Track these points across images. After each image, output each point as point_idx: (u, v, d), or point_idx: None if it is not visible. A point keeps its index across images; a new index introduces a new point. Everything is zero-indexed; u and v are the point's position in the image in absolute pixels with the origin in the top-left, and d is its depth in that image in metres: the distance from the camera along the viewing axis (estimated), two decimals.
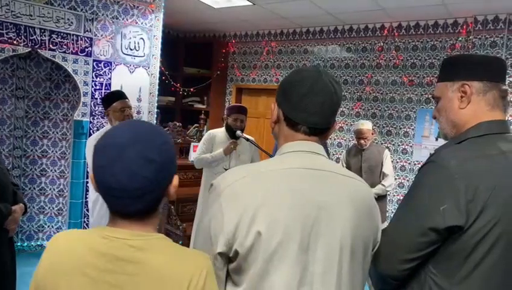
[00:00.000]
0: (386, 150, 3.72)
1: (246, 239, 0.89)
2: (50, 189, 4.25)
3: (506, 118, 1.15)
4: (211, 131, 3.57)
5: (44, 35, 3.53)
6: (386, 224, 3.82)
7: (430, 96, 4.50)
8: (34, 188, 4.21)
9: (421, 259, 1.06)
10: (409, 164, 4.63)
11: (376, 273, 1.14)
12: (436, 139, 4.45)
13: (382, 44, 4.80)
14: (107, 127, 2.94)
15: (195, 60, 5.98)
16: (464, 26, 4.26)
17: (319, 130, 1.02)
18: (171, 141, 0.91)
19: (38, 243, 4.22)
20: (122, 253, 0.81)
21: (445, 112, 1.18)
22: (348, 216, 0.96)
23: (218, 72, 5.85)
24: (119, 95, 2.89)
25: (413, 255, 1.06)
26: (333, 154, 5.16)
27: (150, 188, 0.82)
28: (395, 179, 4.66)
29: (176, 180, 0.89)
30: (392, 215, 4.84)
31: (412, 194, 1.11)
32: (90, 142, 2.81)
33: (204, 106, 5.98)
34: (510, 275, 1.05)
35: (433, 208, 1.03)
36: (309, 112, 0.99)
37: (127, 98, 2.90)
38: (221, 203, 0.93)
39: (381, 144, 4.73)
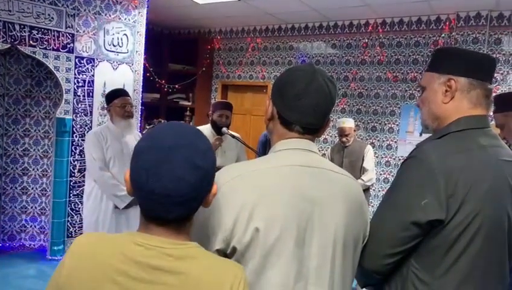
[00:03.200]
0: (368, 146, 3.77)
1: (244, 236, 0.90)
2: (32, 188, 4.18)
3: (487, 114, 1.16)
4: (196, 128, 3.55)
5: (24, 31, 3.45)
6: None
7: (414, 91, 4.55)
8: (16, 188, 4.13)
9: (404, 253, 1.08)
10: (394, 159, 4.68)
11: (360, 268, 1.15)
12: (421, 135, 4.50)
13: (366, 40, 4.83)
14: (108, 123, 3.06)
15: (180, 56, 5.93)
16: (447, 23, 4.31)
17: (313, 129, 1.03)
18: (212, 147, 0.88)
19: (21, 243, 4.14)
20: (159, 262, 0.77)
21: (429, 103, 1.18)
22: (340, 212, 0.98)
23: (204, 69, 5.81)
24: (121, 92, 3.07)
25: (396, 249, 1.07)
26: (319, 150, 5.18)
27: (193, 195, 0.79)
28: (380, 174, 4.71)
29: (215, 188, 0.85)
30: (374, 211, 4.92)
31: (394, 189, 1.12)
32: (90, 135, 2.96)
33: (189, 103, 5.94)
34: (489, 267, 1.07)
35: (414, 202, 1.04)
36: (303, 112, 0.99)
37: (129, 96, 3.07)
38: (219, 201, 0.93)
39: (366, 139, 4.77)
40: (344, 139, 3.67)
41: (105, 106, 3.09)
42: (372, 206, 4.43)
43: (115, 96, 2.98)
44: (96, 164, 2.86)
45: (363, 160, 3.66)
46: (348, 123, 3.68)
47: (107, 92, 3.29)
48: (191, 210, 0.82)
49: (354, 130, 3.77)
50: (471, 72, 1.12)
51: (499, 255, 1.08)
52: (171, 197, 0.77)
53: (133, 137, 3.11)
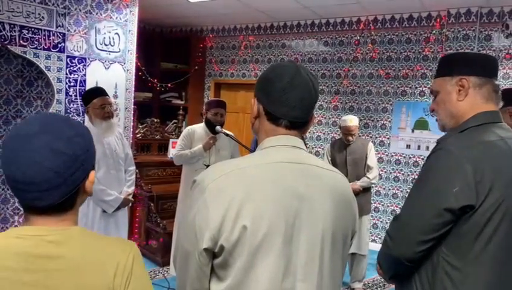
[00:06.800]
0: (370, 143, 3.73)
1: (231, 234, 0.90)
2: None
3: (498, 109, 1.27)
4: (189, 127, 3.54)
5: (14, 31, 3.42)
6: (369, 216, 3.88)
7: (406, 88, 4.59)
8: (8, 189, 4.09)
9: (436, 240, 1.15)
10: (387, 155, 4.71)
11: (390, 258, 1.22)
12: (413, 131, 4.54)
13: (358, 38, 4.85)
14: (87, 124, 2.87)
15: (172, 55, 5.91)
16: (438, 20, 4.34)
17: (299, 124, 1.04)
18: (87, 134, 0.87)
19: None
20: (40, 250, 0.79)
21: (444, 104, 1.28)
22: (328, 208, 0.99)
23: (196, 67, 5.79)
24: (99, 92, 2.87)
25: (429, 236, 1.14)
26: (312, 148, 5.20)
27: (59, 181, 0.79)
28: None
29: (92, 175, 0.86)
30: (375, 208, 4.91)
31: (424, 179, 1.20)
32: None
33: (182, 102, 5.92)
34: None
35: (446, 190, 1.12)
36: (289, 106, 1.00)
37: (108, 95, 2.88)
38: (206, 199, 0.93)
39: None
40: (349, 137, 3.61)
41: (83, 107, 2.88)
42: (372, 203, 4.45)
43: (93, 96, 2.80)
44: None
45: (366, 157, 3.63)
46: (354, 122, 3.60)
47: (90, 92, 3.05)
48: (64, 197, 0.82)
49: (358, 128, 3.73)
50: (479, 70, 1.24)
51: None
52: (35, 184, 0.78)
53: (114, 137, 2.99)
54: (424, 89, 4.46)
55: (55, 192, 0.79)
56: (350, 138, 3.60)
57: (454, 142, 1.18)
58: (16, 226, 4.13)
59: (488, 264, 1.12)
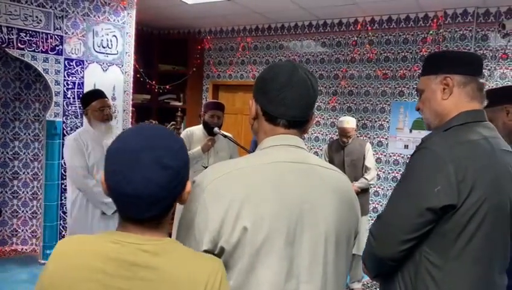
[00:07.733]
0: (368, 144, 3.72)
1: (231, 235, 0.88)
2: (23, 192, 4.14)
3: (482, 108, 1.26)
4: (188, 129, 3.54)
5: (12, 34, 3.42)
6: (368, 217, 3.88)
7: (403, 88, 4.60)
8: (6, 192, 4.09)
9: (418, 239, 1.15)
10: (385, 155, 4.72)
11: (373, 257, 1.21)
12: (411, 131, 4.55)
13: (356, 38, 4.86)
14: (86, 126, 2.86)
15: (170, 56, 5.91)
16: (434, 20, 4.36)
17: (298, 123, 1.02)
18: (185, 145, 0.89)
19: (13, 248, 4.11)
20: (136, 258, 0.79)
21: (429, 102, 1.28)
22: (331, 208, 0.97)
23: (194, 69, 5.79)
24: (98, 94, 2.85)
25: (411, 235, 1.13)
26: (311, 149, 5.20)
27: (164, 195, 0.80)
28: None
29: (188, 185, 0.87)
30: (373, 208, 4.91)
31: (407, 179, 1.20)
32: (69, 142, 2.75)
33: (180, 103, 5.92)
34: (495, 249, 1.16)
35: (428, 190, 1.11)
36: (287, 105, 0.99)
37: (107, 97, 2.86)
38: (205, 200, 0.91)
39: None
40: (344, 139, 3.61)
41: (82, 109, 2.87)
42: (369, 204, 4.45)
43: (92, 98, 2.80)
44: (80, 173, 2.69)
45: (364, 158, 3.62)
46: (351, 123, 3.59)
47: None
48: (165, 209, 0.84)
49: (355, 130, 3.72)
50: (463, 69, 1.23)
51: (503, 237, 1.18)
52: (143, 199, 0.79)
53: (112, 140, 2.99)
54: None
55: (158, 205, 0.81)
56: (345, 139, 3.61)
57: (438, 142, 1.17)
58: (14, 228, 4.12)
59: (469, 262, 1.13)
